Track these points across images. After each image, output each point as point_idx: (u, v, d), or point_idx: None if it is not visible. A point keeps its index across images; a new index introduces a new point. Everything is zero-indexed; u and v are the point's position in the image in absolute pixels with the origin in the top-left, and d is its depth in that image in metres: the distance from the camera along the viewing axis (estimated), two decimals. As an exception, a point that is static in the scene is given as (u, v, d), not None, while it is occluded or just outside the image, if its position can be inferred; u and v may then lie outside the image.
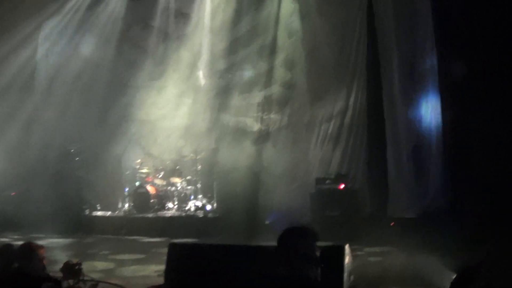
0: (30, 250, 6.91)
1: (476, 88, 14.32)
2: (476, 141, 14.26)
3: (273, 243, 5.10)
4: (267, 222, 16.17)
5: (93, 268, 11.22)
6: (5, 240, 12.76)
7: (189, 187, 17.25)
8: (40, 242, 13.76)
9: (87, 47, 19.78)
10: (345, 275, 6.53)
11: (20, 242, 7.54)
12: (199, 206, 16.60)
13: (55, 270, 8.24)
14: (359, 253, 11.77)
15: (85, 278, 8.57)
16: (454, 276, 5.25)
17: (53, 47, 20.38)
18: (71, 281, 8.08)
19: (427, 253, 11.65)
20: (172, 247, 7.45)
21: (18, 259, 6.93)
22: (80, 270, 8.09)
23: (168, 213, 16.82)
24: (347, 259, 6.58)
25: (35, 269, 6.72)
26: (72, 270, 7.61)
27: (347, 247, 6.67)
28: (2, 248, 7.41)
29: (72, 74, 19.78)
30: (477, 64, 14.39)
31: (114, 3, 19.61)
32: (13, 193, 18.85)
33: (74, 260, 7.54)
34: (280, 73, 17.53)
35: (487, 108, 13.88)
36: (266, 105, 17.70)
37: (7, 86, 19.15)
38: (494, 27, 13.95)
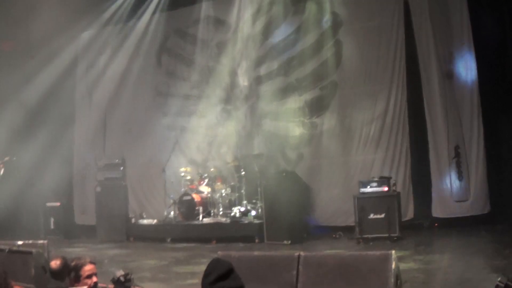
0: (70, 269, 6.98)
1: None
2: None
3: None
4: (311, 226, 16.34)
5: (142, 276, 11.37)
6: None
7: (233, 193, 17.33)
8: (88, 252, 14.18)
9: (126, 58, 20.00)
10: (392, 281, 6.60)
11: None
12: (244, 212, 16.67)
13: (106, 281, 8.35)
14: (403, 255, 11.83)
15: (136, 288, 8.66)
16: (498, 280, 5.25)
17: (92, 59, 20.71)
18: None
19: (470, 256, 11.70)
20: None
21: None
22: (130, 280, 8.19)
23: (214, 220, 16.90)
24: (393, 265, 6.65)
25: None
26: (122, 281, 7.69)
27: (393, 253, 6.74)
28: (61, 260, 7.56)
29: (112, 86, 20.11)
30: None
31: (151, 14, 19.80)
32: (58, 204, 19.18)
33: (124, 271, 7.61)
34: (319, 77, 17.56)
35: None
36: (307, 109, 17.73)
37: (50, 97, 19.43)
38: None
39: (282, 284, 7.05)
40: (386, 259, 6.67)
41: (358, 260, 7.04)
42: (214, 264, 4.99)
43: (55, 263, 7.55)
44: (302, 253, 7.11)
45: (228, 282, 4.75)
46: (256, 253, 7.97)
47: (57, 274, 7.45)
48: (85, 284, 6.80)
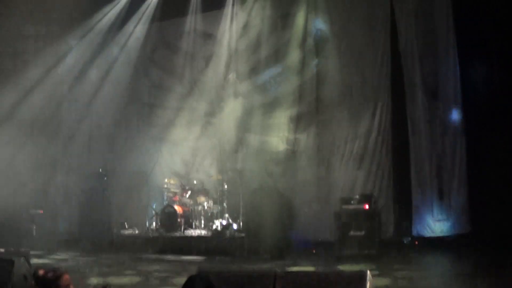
0: (48, 280, 7.03)
1: (500, 108, 14.52)
2: (499, 165, 14.38)
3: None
4: (291, 241, 16.38)
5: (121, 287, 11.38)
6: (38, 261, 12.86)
7: (215, 206, 17.36)
8: (69, 262, 14.14)
9: (113, 68, 19.98)
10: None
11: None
12: (225, 225, 16.72)
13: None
14: (382, 273, 11.88)
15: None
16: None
17: (79, 68, 20.65)
18: (100, 304, 8.12)
19: (448, 276, 11.77)
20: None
21: None
22: (109, 292, 8.20)
23: (195, 232, 16.95)
24: (368, 284, 6.71)
25: None
26: (101, 292, 7.71)
27: (368, 273, 6.80)
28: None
29: (98, 95, 20.08)
30: (501, 81, 14.63)
31: (138, 26, 19.83)
32: (41, 211, 19.12)
33: (103, 283, 7.63)
34: (305, 93, 17.66)
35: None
36: (292, 125, 17.81)
37: (36, 106, 19.30)
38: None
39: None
40: (362, 278, 6.73)
41: (334, 279, 7.07)
42: (192, 280, 5.04)
43: (42, 272, 7.58)
44: (278, 271, 7.17)
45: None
46: (234, 268, 8.01)
47: (44, 283, 7.47)
48: None
